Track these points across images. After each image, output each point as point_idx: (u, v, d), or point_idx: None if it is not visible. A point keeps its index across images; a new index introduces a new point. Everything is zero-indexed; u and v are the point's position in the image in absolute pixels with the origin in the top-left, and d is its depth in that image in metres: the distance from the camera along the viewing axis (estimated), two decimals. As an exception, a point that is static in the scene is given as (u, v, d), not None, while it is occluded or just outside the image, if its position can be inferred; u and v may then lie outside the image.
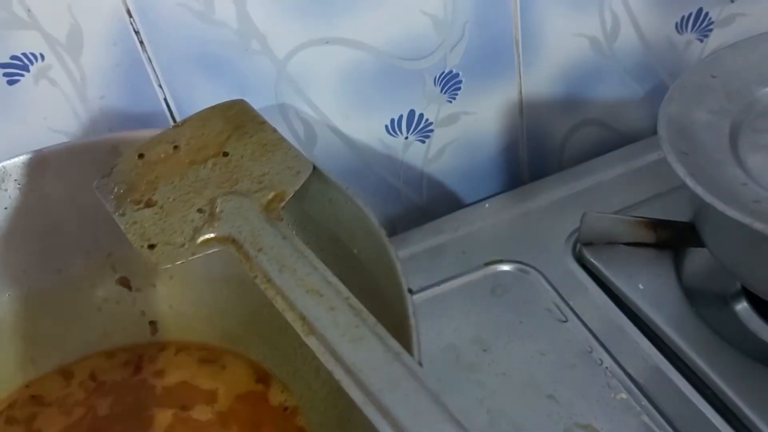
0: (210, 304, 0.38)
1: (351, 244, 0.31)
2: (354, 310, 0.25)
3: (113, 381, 0.36)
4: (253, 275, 0.28)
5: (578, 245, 0.45)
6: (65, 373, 0.37)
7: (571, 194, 0.49)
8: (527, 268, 0.45)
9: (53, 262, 0.38)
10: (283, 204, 0.31)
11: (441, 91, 0.47)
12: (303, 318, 0.26)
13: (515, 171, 0.53)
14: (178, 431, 0.33)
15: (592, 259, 0.44)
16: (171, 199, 0.32)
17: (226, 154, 0.34)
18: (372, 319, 0.25)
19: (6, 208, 0.36)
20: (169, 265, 0.29)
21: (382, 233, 0.29)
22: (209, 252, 0.30)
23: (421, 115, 0.48)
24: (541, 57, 0.49)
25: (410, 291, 0.26)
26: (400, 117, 0.47)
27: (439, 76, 0.46)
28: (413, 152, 0.49)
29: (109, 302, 0.39)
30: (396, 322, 0.26)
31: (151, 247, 0.30)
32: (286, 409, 0.34)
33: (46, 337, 0.38)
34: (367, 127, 0.47)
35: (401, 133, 0.48)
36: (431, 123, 0.48)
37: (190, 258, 0.29)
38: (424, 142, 0.49)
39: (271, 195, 0.31)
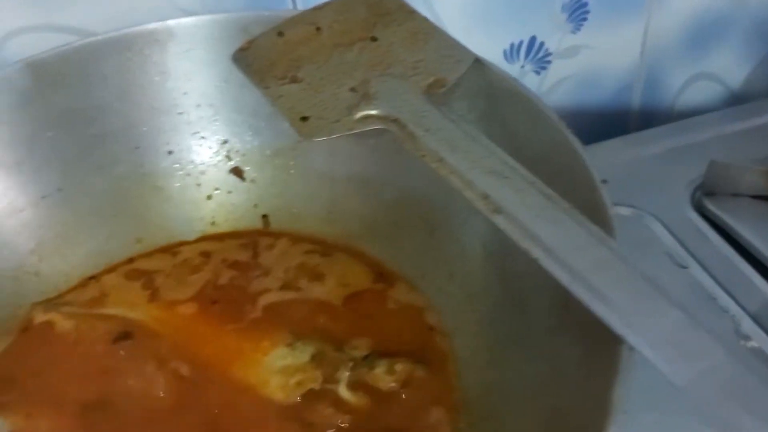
0: (328, 202, 0.36)
1: (511, 142, 0.29)
2: (544, 194, 0.23)
3: (233, 259, 0.35)
4: (420, 154, 0.26)
5: (697, 194, 0.43)
6: (173, 252, 0.35)
7: (687, 144, 0.47)
8: (643, 213, 0.42)
9: (166, 142, 0.36)
10: (444, 89, 0.28)
11: (567, 20, 0.45)
12: (486, 197, 0.23)
13: (625, 117, 0.51)
14: (293, 309, 0.32)
15: (714, 209, 0.42)
16: (318, 78, 0.30)
17: (374, 39, 0.32)
18: (565, 203, 0.23)
19: (127, 77, 0.35)
20: (324, 138, 0.27)
21: (562, 125, 0.27)
22: (367, 129, 0.27)
23: (542, 44, 0.45)
24: (674, -4, 0.46)
25: (604, 181, 0.24)
26: (521, 42, 0.45)
27: (568, 3, 0.44)
28: (527, 83, 0.47)
29: (220, 191, 0.37)
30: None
31: (304, 119, 0.28)
32: (410, 307, 0.32)
33: (154, 217, 0.36)
34: (485, 49, 0.43)
35: (518, 59, 0.46)
36: (550, 53, 0.46)
37: (347, 133, 0.27)
38: (539, 73, 0.47)
39: (431, 79, 0.29)
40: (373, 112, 0.28)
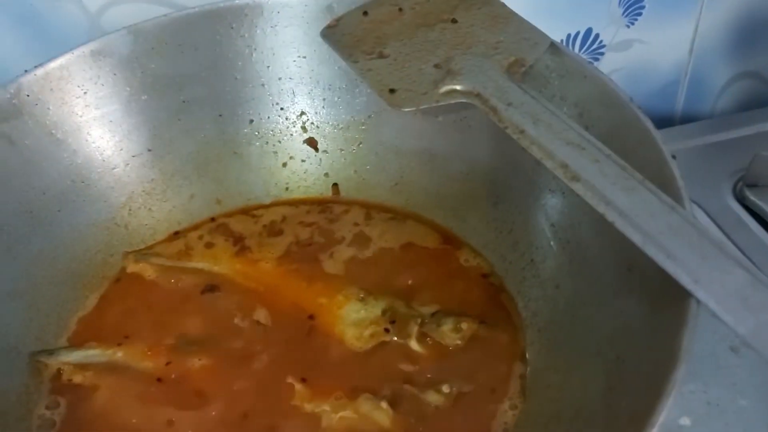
0: (396, 174, 0.38)
1: (582, 120, 0.31)
2: (619, 165, 0.25)
3: (311, 221, 0.37)
4: (503, 126, 0.28)
5: (739, 185, 0.45)
6: (253, 215, 0.38)
7: (730, 139, 0.49)
8: (686, 201, 0.45)
9: (248, 111, 0.39)
10: (524, 69, 0.31)
11: (623, 14, 0.47)
12: (565, 166, 0.26)
13: (669, 111, 0.53)
14: (366, 268, 0.35)
15: (756, 199, 0.44)
16: (404, 54, 0.33)
17: (454, 21, 0.34)
18: (639, 175, 0.25)
19: (216, 49, 0.37)
20: (412, 108, 0.30)
21: (633, 104, 0.29)
22: (451, 102, 0.30)
23: (597, 36, 0.48)
24: (727, -5, 0.48)
25: (673, 157, 0.27)
26: (577, 33, 0.47)
27: (625, -3, 0.46)
28: (579, 73, 0.49)
29: (295, 159, 0.39)
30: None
31: (392, 91, 0.31)
32: (476, 269, 0.35)
33: (233, 181, 0.39)
34: (543, 39, 0.47)
35: (573, 50, 0.48)
36: (604, 45, 0.48)
37: (434, 105, 0.30)
38: (591, 64, 0.49)
39: (511, 59, 0.31)
40: (457, 87, 0.30)
